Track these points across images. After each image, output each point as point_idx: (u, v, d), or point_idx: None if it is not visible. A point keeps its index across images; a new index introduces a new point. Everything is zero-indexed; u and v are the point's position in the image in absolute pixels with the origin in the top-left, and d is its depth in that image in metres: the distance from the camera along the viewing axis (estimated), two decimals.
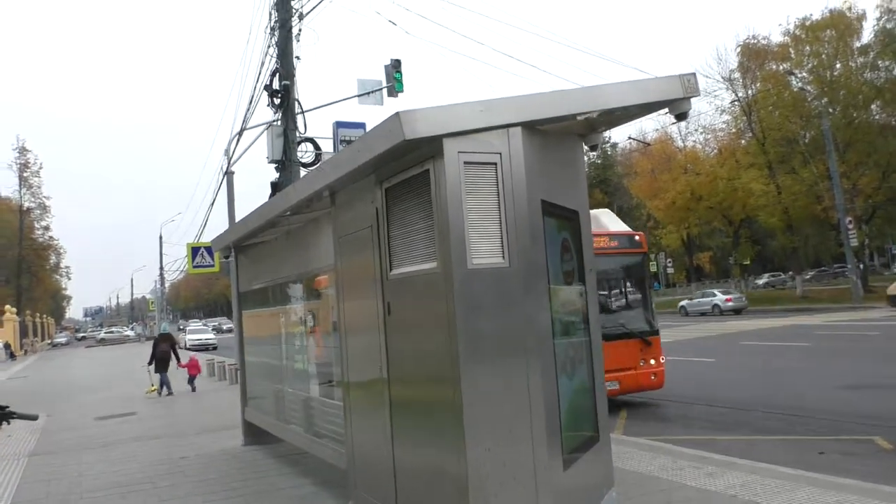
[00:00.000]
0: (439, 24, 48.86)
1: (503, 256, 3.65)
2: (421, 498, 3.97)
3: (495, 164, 3.69)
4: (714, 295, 36.45)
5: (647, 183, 49.42)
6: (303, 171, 11.98)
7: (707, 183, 43.66)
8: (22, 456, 8.83)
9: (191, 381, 15.60)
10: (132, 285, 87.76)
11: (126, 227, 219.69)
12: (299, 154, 12.31)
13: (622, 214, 40.58)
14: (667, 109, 4.39)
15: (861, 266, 35.93)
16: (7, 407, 3.99)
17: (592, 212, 11.16)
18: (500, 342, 3.63)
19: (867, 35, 36.36)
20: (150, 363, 15.47)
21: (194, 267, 17.68)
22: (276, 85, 12.15)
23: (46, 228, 67.53)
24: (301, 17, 12.38)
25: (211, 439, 9.17)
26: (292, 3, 12.40)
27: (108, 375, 22.56)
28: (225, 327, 62.89)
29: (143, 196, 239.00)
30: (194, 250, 17.55)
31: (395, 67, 13.53)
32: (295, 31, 12.34)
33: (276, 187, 11.87)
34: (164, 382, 15.01)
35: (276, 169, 12.23)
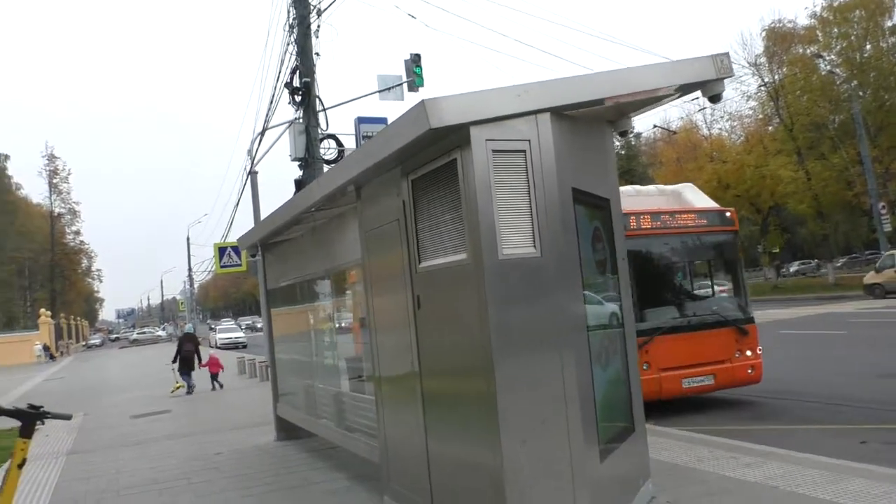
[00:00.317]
0: (460, 16, 48.70)
1: (534, 246, 3.60)
2: (456, 491, 3.94)
3: (524, 151, 3.63)
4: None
5: (672, 172, 48.52)
6: (326, 168, 12.00)
7: (734, 171, 42.80)
8: (60, 454, 9.01)
9: (213, 378, 15.80)
10: (162, 287, 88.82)
11: (156, 228, 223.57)
12: (322, 151, 12.33)
13: None
14: (699, 92, 4.29)
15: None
16: (41, 407, 4.06)
17: (675, 187, 10.58)
18: (533, 333, 3.57)
19: None
20: (173, 361, 15.84)
21: (222, 267, 17.81)
22: (296, 82, 12.15)
23: (77, 233, 69.29)
24: (319, 13, 12.35)
25: (244, 435, 9.26)
26: None
27: (142, 375, 22.98)
28: (259, 325, 63.68)
29: (171, 197, 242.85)
30: (221, 250, 17.69)
31: (414, 62, 13.45)
32: (314, 27, 12.33)
33: (300, 185, 11.91)
34: (187, 382, 15.33)
35: (300, 167, 12.27)
